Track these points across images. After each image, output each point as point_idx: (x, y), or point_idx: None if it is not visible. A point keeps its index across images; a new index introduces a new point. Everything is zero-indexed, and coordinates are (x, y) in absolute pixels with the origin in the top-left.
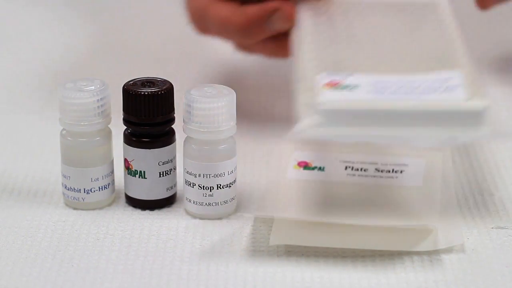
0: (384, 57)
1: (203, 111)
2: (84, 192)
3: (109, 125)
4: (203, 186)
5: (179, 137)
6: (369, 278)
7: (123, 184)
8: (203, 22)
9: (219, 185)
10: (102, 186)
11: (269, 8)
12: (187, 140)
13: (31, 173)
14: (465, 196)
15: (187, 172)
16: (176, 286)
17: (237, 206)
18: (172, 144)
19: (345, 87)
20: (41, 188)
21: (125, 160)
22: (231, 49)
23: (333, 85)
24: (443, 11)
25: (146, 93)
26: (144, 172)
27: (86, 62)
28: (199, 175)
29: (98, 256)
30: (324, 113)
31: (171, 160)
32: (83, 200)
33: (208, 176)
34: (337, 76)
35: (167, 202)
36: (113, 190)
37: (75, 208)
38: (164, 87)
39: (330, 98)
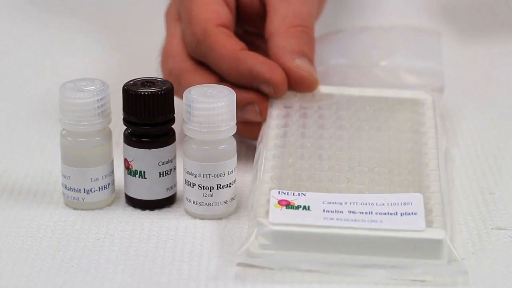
0: (348, 171)
1: (203, 111)
2: (84, 192)
3: (109, 125)
4: (203, 186)
5: (179, 137)
6: (368, 277)
7: (123, 184)
8: (175, 86)
9: (219, 185)
10: (102, 186)
11: (244, 99)
12: (187, 140)
13: (31, 173)
14: (466, 196)
15: (187, 172)
16: (176, 286)
17: (237, 206)
18: (172, 144)
19: (297, 207)
20: (41, 188)
21: (125, 160)
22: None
23: (286, 204)
24: (427, 111)
25: (146, 93)
26: (144, 172)
27: (86, 62)
28: (199, 175)
29: (98, 256)
30: (275, 235)
31: (171, 160)
32: (83, 200)
33: (208, 176)
34: (289, 195)
35: (167, 202)
36: (113, 190)
37: (75, 208)
38: (164, 87)
39: (282, 219)
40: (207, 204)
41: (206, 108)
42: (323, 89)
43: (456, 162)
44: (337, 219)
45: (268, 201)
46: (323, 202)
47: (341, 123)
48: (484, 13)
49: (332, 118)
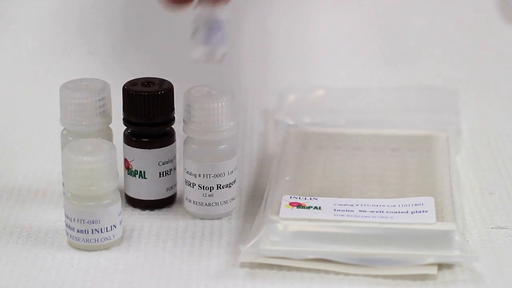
0: (358, 186)
1: (203, 111)
2: None
3: (109, 125)
4: (203, 186)
5: (179, 137)
6: (367, 276)
7: (123, 184)
8: None
9: (219, 185)
10: None
11: None
12: (187, 140)
13: (31, 173)
14: (466, 196)
15: (187, 172)
16: (176, 286)
17: (237, 206)
18: (172, 144)
19: (308, 207)
20: (41, 188)
21: (125, 160)
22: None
23: (297, 205)
24: (441, 143)
25: (146, 93)
26: (144, 172)
27: (87, 62)
28: (199, 175)
29: (98, 256)
30: (285, 231)
31: (171, 160)
32: None
33: (208, 176)
34: (301, 199)
35: (167, 202)
36: None
37: None
38: (164, 87)
39: (293, 215)
40: (207, 204)
41: (206, 108)
42: (334, 130)
43: (456, 161)
44: (348, 216)
45: (280, 204)
46: (334, 204)
47: (357, 145)
48: None
49: (348, 143)
